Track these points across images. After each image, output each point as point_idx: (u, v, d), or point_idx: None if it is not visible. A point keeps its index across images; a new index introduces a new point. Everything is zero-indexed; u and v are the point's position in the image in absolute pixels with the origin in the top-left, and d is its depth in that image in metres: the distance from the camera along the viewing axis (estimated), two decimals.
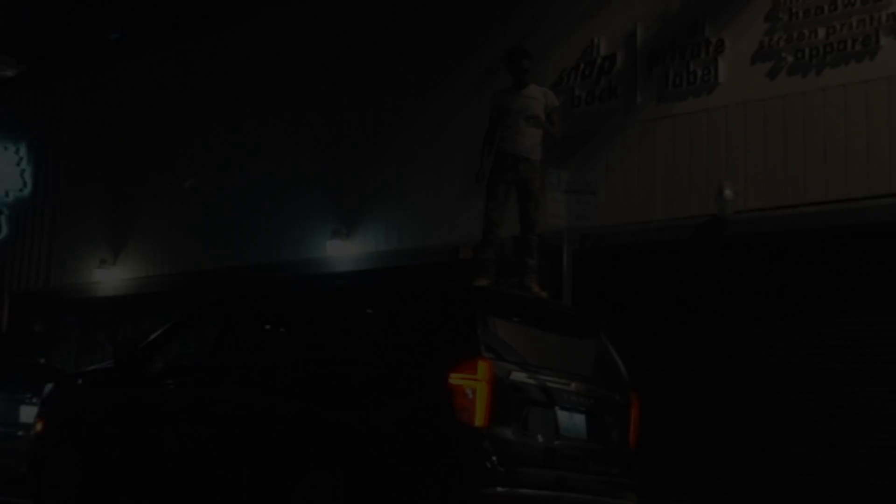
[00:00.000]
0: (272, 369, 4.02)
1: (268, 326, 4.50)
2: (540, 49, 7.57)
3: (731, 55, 6.79)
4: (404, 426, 3.49)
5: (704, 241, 6.74)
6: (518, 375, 3.56)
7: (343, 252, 8.38)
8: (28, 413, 6.65)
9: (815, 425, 5.97)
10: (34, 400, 6.47)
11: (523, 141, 4.93)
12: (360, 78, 8.77)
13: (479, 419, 3.35)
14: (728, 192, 6.37)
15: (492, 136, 5.11)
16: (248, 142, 9.54)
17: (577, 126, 7.45)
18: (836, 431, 5.90)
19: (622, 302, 6.89)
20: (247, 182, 9.44)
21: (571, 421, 3.76)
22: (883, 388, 5.77)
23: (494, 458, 3.38)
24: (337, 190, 8.83)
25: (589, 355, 4.23)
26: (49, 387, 5.19)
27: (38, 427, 4.95)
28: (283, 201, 9.04)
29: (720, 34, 6.83)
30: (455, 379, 3.38)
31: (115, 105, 11.13)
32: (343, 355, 3.89)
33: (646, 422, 4.36)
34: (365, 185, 8.64)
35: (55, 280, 11.46)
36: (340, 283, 6.99)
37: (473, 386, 3.36)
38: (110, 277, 10.54)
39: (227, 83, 9.96)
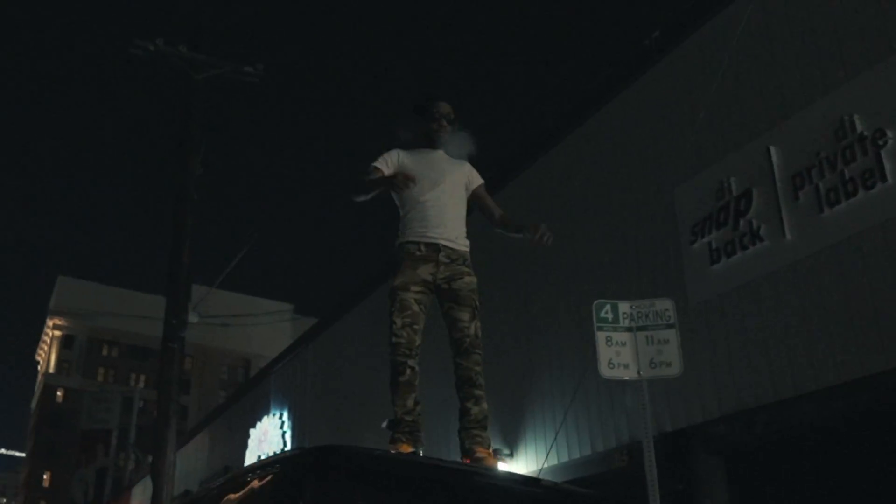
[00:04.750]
0: None
1: None
2: (668, 209, 6.47)
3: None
4: None
5: None
6: None
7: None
8: None
9: None
10: None
11: (442, 222, 3.24)
12: (513, 296, 8.29)
13: None
14: None
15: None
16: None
17: (721, 285, 5.88)
18: None
19: None
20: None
21: None
22: None
23: None
24: (496, 408, 8.02)
25: None
26: None
27: None
28: (435, 413, 8.46)
29: (877, 123, 5.04)
30: None
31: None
32: None
33: None
34: (523, 402, 7.73)
35: None
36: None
37: None
38: None
39: None
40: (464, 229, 3.37)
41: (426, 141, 3.40)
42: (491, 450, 3.11)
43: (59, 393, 53.14)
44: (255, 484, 2.19)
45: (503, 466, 7.43)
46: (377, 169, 3.29)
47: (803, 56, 5.69)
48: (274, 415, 12.97)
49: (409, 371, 3.12)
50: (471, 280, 3.25)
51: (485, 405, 3.13)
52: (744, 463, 5.82)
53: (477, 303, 3.23)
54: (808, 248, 5.40)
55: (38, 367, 59.24)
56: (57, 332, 56.05)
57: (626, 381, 4.47)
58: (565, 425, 7.09)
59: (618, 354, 4.39)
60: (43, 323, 58.31)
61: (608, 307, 4.53)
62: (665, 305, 4.59)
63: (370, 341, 10.76)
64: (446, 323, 3.22)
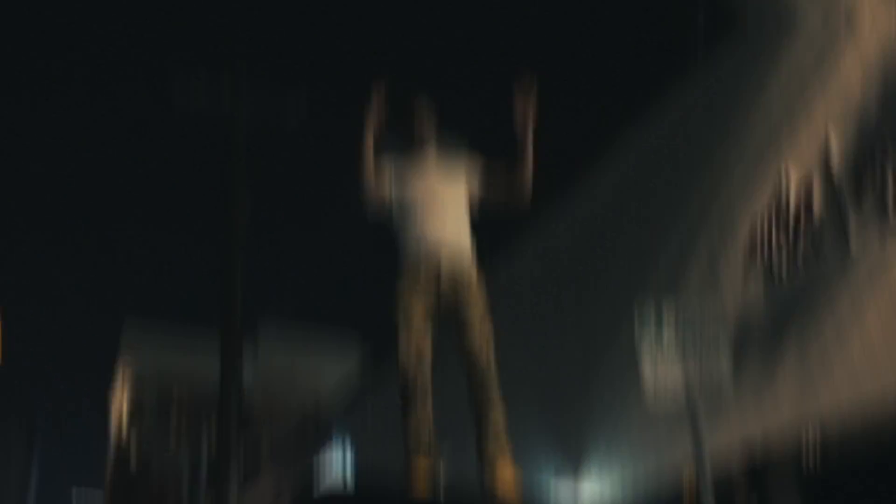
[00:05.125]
0: None
1: None
2: (727, 218, 6.36)
3: None
4: None
5: None
6: None
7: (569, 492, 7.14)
8: None
9: None
10: None
11: (443, 225, 3.06)
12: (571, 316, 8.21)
13: None
14: None
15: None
16: None
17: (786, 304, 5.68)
18: None
19: None
20: None
21: None
22: None
23: None
24: (561, 422, 7.90)
25: None
26: None
27: None
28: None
29: None
30: None
31: None
32: None
33: None
34: (588, 422, 7.59)
35: None
36: None
37: None
38: None
39: None
40: (468, 228, 3.19)
41: (412, 143, 3.29)
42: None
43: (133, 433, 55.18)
44: None
45: (567, 485, 7.29)
46: (382, 169, 3.30)
47: None
48: (337, 445, 13.15)
49: (417, 390, 3.05)
50: (477, 288, 3.16)
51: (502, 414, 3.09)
52: (823, 480, 5.54)
53: (485, 308, 3.13)
54: None
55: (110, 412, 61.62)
56: (129, 374, 58.51)
57: (674, 396, 4.33)
58: (628, 442, 6.91)
59: (663, 364, 4.27)
60: (111, 366, 60.93)
61: (653, 312, 4.43)
62: (713, 310, 4.60)
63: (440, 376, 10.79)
64: (454, 332, 3.12)
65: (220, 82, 9.89)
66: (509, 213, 3.24)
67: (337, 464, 12.79)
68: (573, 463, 7.47)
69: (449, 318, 3.05)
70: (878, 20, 5.40)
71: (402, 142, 3.21)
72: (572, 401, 7.71)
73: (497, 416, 2.95)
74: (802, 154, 5.81)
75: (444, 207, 3.06)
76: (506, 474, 2.79)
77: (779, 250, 5.80)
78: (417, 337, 2.99)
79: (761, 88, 6.28)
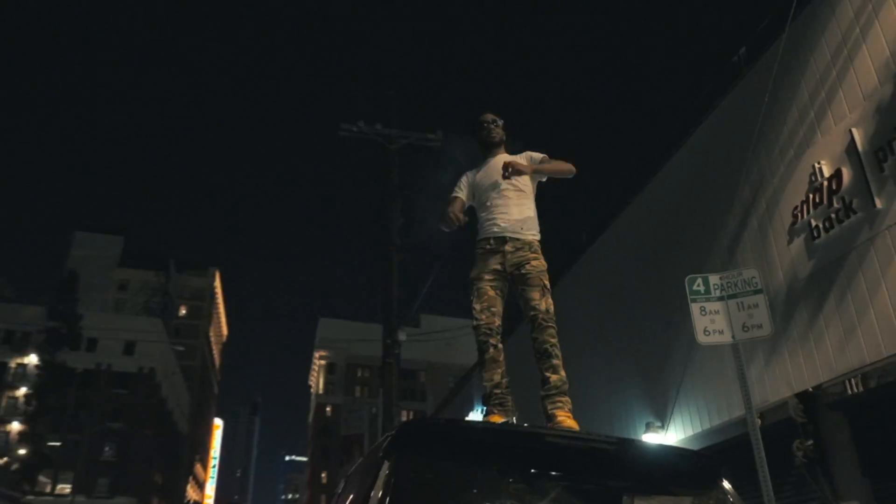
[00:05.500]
0: None
1: None
2: (772, 198, 7.12)
3: None
4: None
5: None
6: None
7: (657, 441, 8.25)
8: None
9: None
10: None
11: (507, 216, 3.45)
12: (659, 283, 9.15)
13: None
14: None
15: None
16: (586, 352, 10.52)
17: (825, 257, 6.36)
18: None
19: None
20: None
21: None
22: None
23: None
24: (649, 385, 8.96)
25: None
26: None
27: None
28: (601, 399, 9.54)
29: None
30: None
31: None
32: None
33: None
34: (668, 380, 8.59)
35: None
36: None
37: None
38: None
39: None
40: (530, 218, 3.50)
41: (485, 151, 3.71)
42: (570, 412, 3.09)
43: (327, 409, 63.11)
44: (372, 455, 2.39)
45: (656, 438, 8.41)
46: (456, 197, 3.64)
47: (876, 50, 6.08)
48: (477, 409, 15.10)
49: (491, 349, 3.28)
50: (538, 263, 3.35)
51: (563, 373, 3.15)
52: (867, 418, 6.11)
53: (546, 282, 3.31)
54: None
55: (311, 390, 70.72)
56: (322, 362, 66.59)
57: (722, 345, 4.73)
58: (704, 396, 7.85)
59: (712, 322, 4.71)
60: (311, 356, 69.87)
61: (699, 280, 4.88)
62: (751, 274, 4.90)
63: None
64: (521, 305, 3.36)
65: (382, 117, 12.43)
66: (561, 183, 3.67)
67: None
68: (660, 418, 8.56)
69: (516, 292, 3.37)
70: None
71: (480, 149, 3.73)
72: (660, 368, 8.75)
73: (557, 379, 3.10)
74: (832, 135, 6.40)
75: (507, 199, 3.48)
76: (565, 422, 2.97)
77: (816, 212, 6.42)
78: (489, 307, 3.30)
79: (793, 85, 6.90)
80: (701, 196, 8.29)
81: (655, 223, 9.22)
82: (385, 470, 1.92)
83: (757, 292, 4.78)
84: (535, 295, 3.27)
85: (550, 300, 3.30)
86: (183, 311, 69.73)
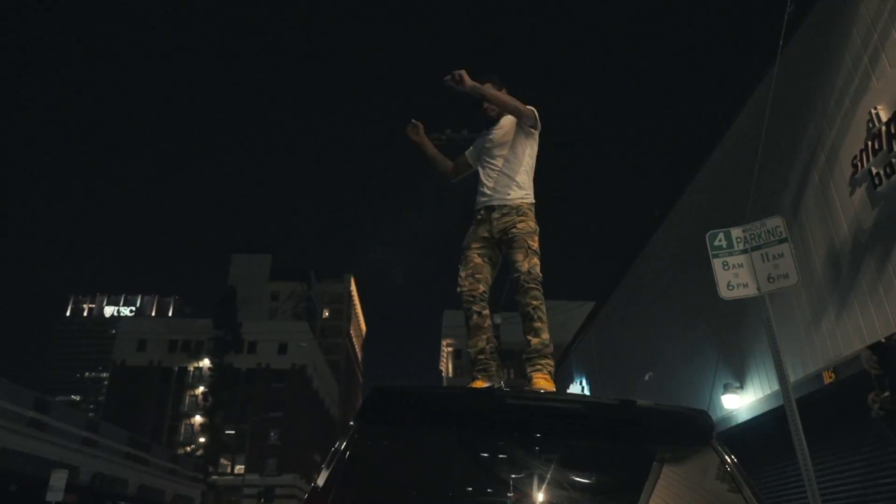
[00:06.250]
0: None
1: None
2: (831, 150, 6.81)
3: None
4: None
5: None
6: None
7: (736, 404, 8.10)
8: None
9: None
10: None
11: (494, 184, 3.34)
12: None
13: None
14: None
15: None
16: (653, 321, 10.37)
17: (889, 204, 6.00)
18: None
19: None
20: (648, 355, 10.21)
21: None
22: None
23: None
24: (726, 347, 8.77)
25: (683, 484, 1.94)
26: None
27: None
28: (679, 364, 9.41)
29: None
30: None
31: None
32: None
33: None
34: (745, 341, 8.39)
35: None
36: None
37: None
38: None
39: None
40: (518, 182, 3.32)
41: (486, 122, 3.53)
42: (549, 374, 2.95)
43: None
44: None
45: (735, 398, 8.29)
46: (462, 155, 3.69)
47: None
48: (577, 382, 15.27)
49: (475, 316, 3.14)
50: (524, 226, 3.18)
51: (544, 336, 3.00)
52: None
53: (531, 244, 3.13)
54: None
55: (442, 374, 73.69)
56: (449, 349, 69.15)
57: (746, 298, 4.46)
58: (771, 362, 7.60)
59: (736, 276, 4.46)
60: (440, 344, 72.84)
61: (721, 235, 4.62)
62: (776, 223, 4.56)
63: (633, 316, 12.20)
64: (510, 268, 3.18)
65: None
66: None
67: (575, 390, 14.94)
68: (738, 379, 8.37)
69: (508, 257, 3.22)
70: None
71: (482, 122, 3.53)
72: (735, 330, 8.55)
73: (538, 342, 3.00)
74: (887, 79, 5.99)
75: (497, 162, 3.36)
76: (539, 383, 2.88)
77: (876, 159, 6.07)
78: (473, 274, 3.18)
79: (846, 38, 6.49)
80: (764, 156, 7.99)
81: (724, 186, 8.99)
82: (353, 433, 1.98)
83: (782, 241, 4.47)
84: (519, 257, 3.11)
85: (536, 261, 3.13)
86: (326, 314, 75.46)
